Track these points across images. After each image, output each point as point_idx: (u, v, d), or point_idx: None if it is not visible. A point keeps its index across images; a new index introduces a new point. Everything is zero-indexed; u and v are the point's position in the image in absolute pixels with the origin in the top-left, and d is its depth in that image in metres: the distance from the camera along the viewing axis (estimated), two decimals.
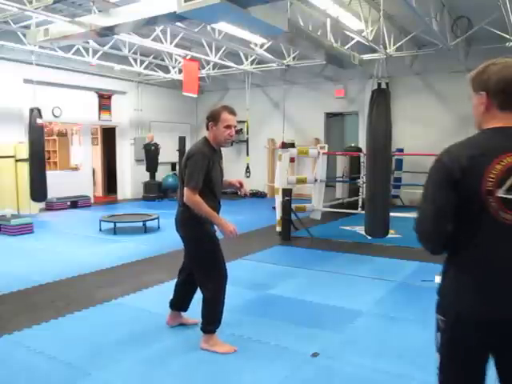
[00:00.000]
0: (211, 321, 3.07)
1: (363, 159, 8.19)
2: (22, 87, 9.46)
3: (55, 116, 10.54)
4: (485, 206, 1.40)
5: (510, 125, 1.45)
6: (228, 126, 2.98)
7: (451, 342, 1.52)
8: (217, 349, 3.05)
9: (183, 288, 3.38)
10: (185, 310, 3.47)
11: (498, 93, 1.46)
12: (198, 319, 3.19)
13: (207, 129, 3.05)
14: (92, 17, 6.10)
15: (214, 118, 2.99)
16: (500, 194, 1.38)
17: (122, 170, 12.42)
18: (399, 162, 10.28)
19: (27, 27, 7.75)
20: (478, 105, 1.53)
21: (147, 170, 12.01)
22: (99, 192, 12.84)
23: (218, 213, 3.06)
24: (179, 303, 3.44)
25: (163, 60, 10.73)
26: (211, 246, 3.04)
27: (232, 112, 3.01)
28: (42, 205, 9.65)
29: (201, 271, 3.06)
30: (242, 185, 3.39)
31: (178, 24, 6.90)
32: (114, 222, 7.29)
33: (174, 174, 12.86)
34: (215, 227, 3.08)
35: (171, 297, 3.45)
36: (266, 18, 5.25)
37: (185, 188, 2.91)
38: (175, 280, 4.73)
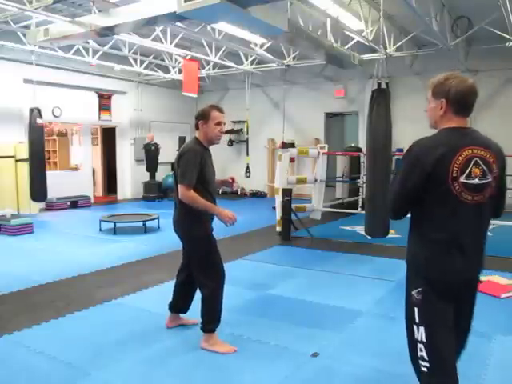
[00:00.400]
0: (210, 320, 3.08)
1: (363, 159, 8.19)
2: (22, 87, 9.46)
3: (55, 116, 10.54)
4: (451, 189, 1.78)
5: (463, 126, 1.94)
6: (218, 123, 3.08)
7: (433, 303, 1.88)
8: (217, 348, 3.05)
9: (182, 289, 3.37)
10: (184, 312, 3.46)
11: (455, 102, 1.87)
12: (198, 319, 3.19)
13: (197, 128, 3.13)
14: (92, 17, 6.10)
15: (204, 117, 3.07)
16: (462, 179, 1.79)
17: (122, 170, 12.41)
18: (399, 162, 10.27)
19: (27, 27, 7.75)
20: (438, 108, 1.91)
21: (147, 170, 12.01)
22: (99, 192, 12.85)
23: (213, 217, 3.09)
24: (179, 305, 3.43)
25: (163, 60, 10.73)
26: (208, 245, 3.06)
27: (220, 110, 3.11)
28: (42, 205, 9.66)
29: (199, 270, 3.07)
30: (233, 180, 3.50)
31: (178, 24, 6.90)
32: (114, 222, 7.29)
33: (174, 174, 12.86)
34: (213, 225, 3.11)
35: (170, 299, 3.43)
36: (265, 18, 5.25)
37: (179, 185, 2.94)
38: (175, 280, 4.77)
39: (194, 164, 2.94)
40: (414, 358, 1.98)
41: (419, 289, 1.90)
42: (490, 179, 1.81)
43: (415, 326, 1.93)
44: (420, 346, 1.92)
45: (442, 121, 1.92)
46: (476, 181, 1.80)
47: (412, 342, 1.97)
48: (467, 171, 1.79)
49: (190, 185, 2.90)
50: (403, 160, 1.90)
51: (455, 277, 1.87)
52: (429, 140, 1.86)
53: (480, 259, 1.91)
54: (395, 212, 1.95)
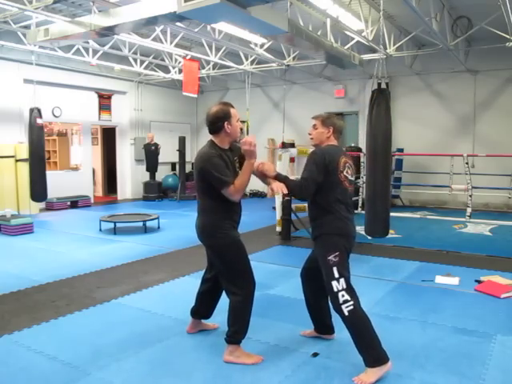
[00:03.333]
0: (239, 331, 2.93)
1: (363, 159, 8.19)
2: (22, 87, 9.47)
3: (55, 116, 10.54)
4: (339, 179, 2.86)
5: (336, 144, 3.03)
6: (238, 119, 3.04)
7: (345, 251, 2.86)
8: (244, 360, 2.92)
9: (208, 297, 3.28)
10: (208, 318, 3.39)
11: (336, 131, 3.02)
12: (217, 324, 3.21)
13: (218, 131, 2.94)
14: (92, 17, 6.09)
15: (228, 117, 2.92)
16: (344, 173, 2.89)
17: (121, 169, 12.41)
18: (399, 162, 10.29)
19: (27, 27, 7.75)
20: (326, 133, 2.99)
21: (147, 170, 12.01)
22: (99, 192, 12.85)
23: (238, 216, 3.03)
24: (202, 311, 3.35)
25: (163, 60, 10.73)
26: (237, 252, 2.94)
27: (233, 105, 3.06)
28: (42, 205, 9.66)
29: (229, 279, 2.93)
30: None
31: (178, 24, 6.89)
32: (114, 222, 7.29)
33: (174, 173, 12.86)
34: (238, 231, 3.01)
35: (193, 305, 3.35)
36: (265, 18, 5.25)
37: (224, 191, 2.80)
38: (175, 280, 4.78)
39: (221, 166, 2.82)
40: (338, 307, 2.75)
41: (336, 253, 2.79)
42: (353, 178, 3.00)
43: (335, 281, 2.77)
44: (342, 294, 2.75)
45: (327, 140, 2.99)
46: (350, 177, 2.94)
47: (334, 296, 2.76)
48: (345, 170, 2.90)
49: (229, 182, 2.79)
50: (313, 159, 2.84)
51: (354, 238, 2.95)
52: (329, 150, 2.90)
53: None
54: (305, 197, 2.92)
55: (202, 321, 3.43)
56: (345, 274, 2.80)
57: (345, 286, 2.76)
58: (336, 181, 2.84)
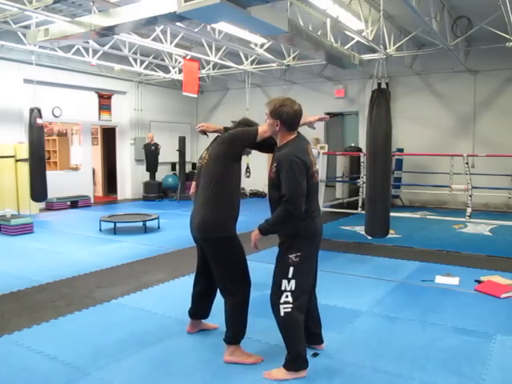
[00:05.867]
0: (239, 331, 2.93)
1: (363, 159, 8.19)
2: (22, 87, 9.47)
3: (55, 116, 10.53)
4: (312, 177, 2.66)
5: (293, 135, 2.72)
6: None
7: (309, 254, 2.73)
8: (244, 360, 2.90)
9: (204, 298, 3.27)
10: (206, 318, 3.38)
11: (286, 123, 2.65)
12: (218, 324, 3.23)
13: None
14: (92, 17, 6.09)
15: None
16: (313, 168, 2.67)
17: (121, 169, 12.41)
18: (399, 162, 10.29)
19: (27, 27, 7.75)
20: (275, 125, 2.66)
21: (147, 170, 12.01)
22: (99, 192, 12.85)
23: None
24: (199, 313, 3.34)
25: (163, 60, 10.73)
26: (237, 251, 2.93)
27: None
28: (42, 205, 9.66)
29: (227, 278, 2.92)
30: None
31: (178, 24, 6.89)
32: (114, 222, 7.29)
33: (174, 173, 12.85)
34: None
35: (190, 306, 3.36)
36: (265, 18, 5.25)
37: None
38: (175, 280, 4.78)
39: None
40: (277, 307, 2.75)
41: (298, 253, 2.66)
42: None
43: (285, 280, 2.68)
44: (287, 295, 2.71)
45: (283, 136, 2.73)
46: (315, 167, 2.73)
47: (278, 293, 2.74)
48: (313, 164, 2.69)
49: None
50: (292, 167, 2.56)
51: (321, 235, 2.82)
52: (297, 151, 2.64)
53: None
54: (302, 207, 2.59)
55: (202, 321, 3.43)
56: (299, 276, 2.67)
57: (293, 288, 2.66)
58: (311, 182, 2.64)
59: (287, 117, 2.62)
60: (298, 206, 2.55)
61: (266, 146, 2.96)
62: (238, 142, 2.89)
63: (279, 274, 2.72)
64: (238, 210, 3.00)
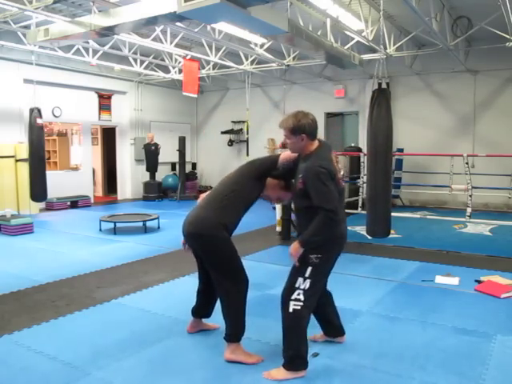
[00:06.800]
0: (236, 328, 2.93)
1: (363, 159, 8.19)
2: (22, 87, 9.47)
3: (55, 116, 10.53)
4: (338, 183, 2.70)
5: (317, 145, 2.78)
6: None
7: (330, 257, 2.77)
8: (244, 359, 2.91)
9: (206, 295, 3.28)
10: (207, 317, 3.38)
11: (311, 134, 2.73)
12: (218, 324, 3.23)
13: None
14: (92, 17, 6.09)
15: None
16: (338, 176, 2.71)
17: (121, 169, 12.41)
18: (399, 162, 10.29)
19: (27, 27, 7.75)
20: (300, 141, 2.73)
21: (147, 170, 12.01)
22: (99, 192, 12.85)
23: (232, 232, 3.02)
24: (203, 310, 3.35)
25: (163, 60, 10.73)
26: (225, 247, 2.93)
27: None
28: (42, 205, 9.66)
29: (220, 275, 2.92)
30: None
31: (178, 24, 6.89)
32: (114, 222, 7.29)
33: (174, 173, 12.85)
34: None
35: (194, 304, 3.36)
36: (265, 18, 5.25)
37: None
38: (175, 280, 4.79)
39: None
40: (287, 303, 2.73)
41: (319, 255, 2.68)
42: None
43: (301, 278, 2.69)
44: (299, 293, 2.70)
45: (306, 147, 2.78)
46: (341, 173, 2.80)
47: (291, 290, 2.73)
48: (339, 171, 2.75)
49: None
50: (321, 176, 2.60)
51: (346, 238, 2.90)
52: (325, 159, 2.71)
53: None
54: (337, 209, 2.62)
55: (203, 320, 3.43)
56: (316, 277, 2.70)
57: (307, 288, 2.68)
58: (336, 188, 2.66)
59: (309, 128, 2.70)
60: (335, 210, 2.58)
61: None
62: (261, 164, 3.07)
63: (297, 271, 2.73)
64: (235, 225, 3.02)
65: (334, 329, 3.15)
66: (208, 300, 3.30)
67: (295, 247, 2.69)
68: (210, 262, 2.97)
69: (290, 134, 2.72)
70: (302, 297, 2.68)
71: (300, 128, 2.68)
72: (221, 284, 2.95)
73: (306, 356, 2.74)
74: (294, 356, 2.72)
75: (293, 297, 2.69)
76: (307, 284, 2.68)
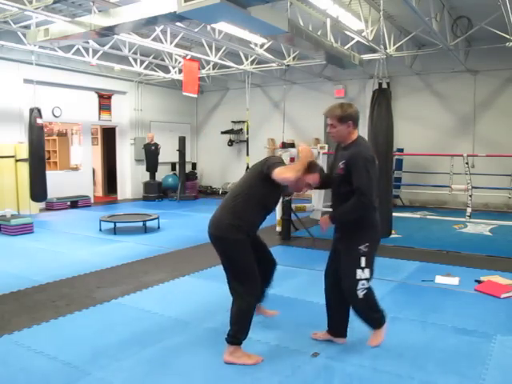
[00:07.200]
0: (241, 331, 2.92)
1: None
2: (22, 87, 9.47)
3: (55, 116, 10.53)
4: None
5: (357, 133, 3.01)
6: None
7: (376, 242, 3.01)
8: (244, 361, 2.90)
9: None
10: (262, 301, 3.36)
11: (355, 122, 2.95)
12: (277, 310, 3.36)
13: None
14: (92, 17, 6.09)
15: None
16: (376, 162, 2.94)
17: (121, 169, 12.41)
18: (399, 162, 10.29)
19: (27, 27, 7.75)
20: (346, 128, 2.93)
21: (147, 170, 12.01)
22: (99, 192, 12.85)
23: (253, 231, 3.02)
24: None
25: (163, 60, 10.73)
26: (240, 252, 2.91)
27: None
28: (42, 205, 9.66)
29: (234, 278, 2.93)
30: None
31: (178, 24, 6.89)
32: (114, 222, 7.29)
33: (174, 173, 12.86)
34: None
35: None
36: (265, 18, 5.25)
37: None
38: (175, 280, 4.79)
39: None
40: (354, 293, 2.93)
41: (367, 244, 2.90)
42: None
43: (359, 270, 2.89)
44: (362, 282, 2.91)
45: (350, 135, 2.98)
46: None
47: (354, 282, 2.91)
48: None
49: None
50: (369, 164, 2.83)
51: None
52: (370, 148, 2.99)
53: None
54: (373, 198, 2.86)
55: (261, 305, 3.39)
56: (370, 264, 2.96)
57: (368, 276, 2.93)
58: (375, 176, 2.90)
59: (355, 115, 2.93)
60: (372, 197, 2.83)
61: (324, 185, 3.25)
62: (275, 163, 2.98)
63: (352, 264, 2.92)
64: (252, 224, 2.99)
65: (341, 328, 3.20)
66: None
67: (325, 219, 2.99)
68: (222, 263, 2.99)
69: (337, 121, 2.91)
70: (366, 284, 2.94)
71: (347, 116, 2.89)
72: (232, 286, 2.94)
73: (382, 310, 3.09)
74: (379, 318, 3.08)
75: (358, 287, 2.92)
76: (367, 272, 2.92)
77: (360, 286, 2.91)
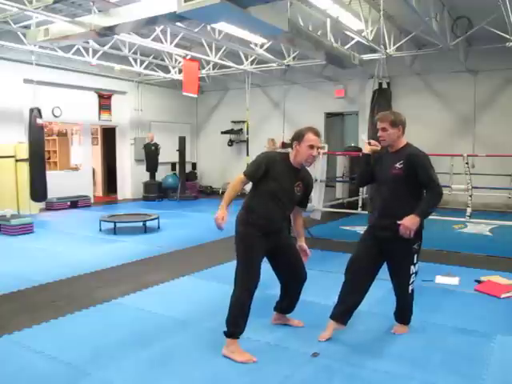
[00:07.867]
0: (229, 322, 3.01)
1: None
2: (22, 87, 9.46)
3: (55, 116, 10.54)
4: None
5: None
6: (311, 146, 3.04)
7: (421, 240, 3.25)
8: (235, 356, 2.95)
9: (281, 291, 3.45)
10: (288, 312, 3.50)
11: (404, 128, 3.22)
12: (302, 321, 3.43)
13: (292, 148, 3.14)
14: (92, 17, 6.09)
15: (298, 138, 3.07)
16: None
17: (122, 170, 12.41)
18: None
19: (27, 27, 7.75)
20: (397, 132, 3.18)
21: (147, 169, 12.01)
22: (99, 192, 12.85)
23: (268, 228, 3.06)
24: (283, 306, 3.48)
25: (163, 60, 10.73)
26: (242, 248, 3.03)
27: (316, 133, 3.09)
28: (42, 205, 9.66)
29: (236, 270, 3.06)
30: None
31: (178, 24, 6.89)
32: (114, 222, 7.29)
33: (174, 173, 12.86)
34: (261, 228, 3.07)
35: (277, 299, 3.49)
36: (265, 18, 5.24)
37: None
38: (175, 280, 4.79)
39: (256, 162, 3.05)
40: (407, 287, 3.26)
41: (419, 242, 3.20)
42: None
43: (412, 266, 3.20)
44: (413, 276, 3.23)
45: (399, 139, 3.25)
46: None
47: (408, 277, 3.21)
48: None
49: (245, 174, 3.03)
50: (427, 160, 3.19)
51: None
52: (417, 147, 3.28)
53: None
54: None
55: (287, 316, 3.52)
56: (418, 259, 3.25)
57: (417, 270, 3.25)
58: None
59: (405, 122, 3.23)
60: (442, 189, 3.23)
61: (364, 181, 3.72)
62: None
63: (407, 262, 3.21)
64: (261, 217, 3.05)
65: (348, 318, 3.36)
66: (285, 295, 3.42)
67: (413, 219, 3.06)
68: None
69: (390, 125, 3.15)
70: (415, 278, 3.28)
71: (399, 121, 3.17)
72: (236, 275, 3.05)
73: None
74: (411, 313, 3.41)
75: (410, 281, 3.24)
76: (417, 267, 3.25)
77: (411, 280, 3.23)
